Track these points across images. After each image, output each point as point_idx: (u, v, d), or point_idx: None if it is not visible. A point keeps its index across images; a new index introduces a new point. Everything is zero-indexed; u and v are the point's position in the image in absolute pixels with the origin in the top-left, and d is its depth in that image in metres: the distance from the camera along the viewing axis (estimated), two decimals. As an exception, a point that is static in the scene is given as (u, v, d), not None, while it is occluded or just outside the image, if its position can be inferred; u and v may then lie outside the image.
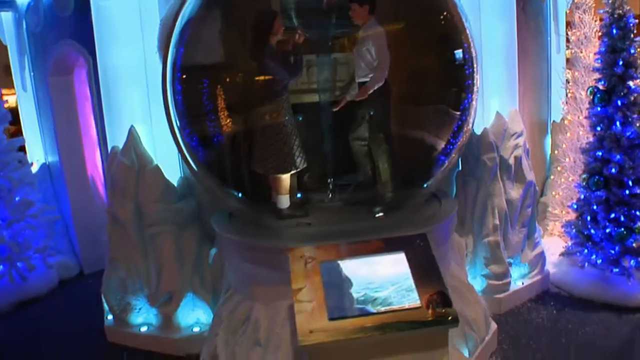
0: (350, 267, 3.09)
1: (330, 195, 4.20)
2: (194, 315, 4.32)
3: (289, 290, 3.41)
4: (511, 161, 4.51)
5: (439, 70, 3.93)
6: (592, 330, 4.11)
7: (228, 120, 3.74)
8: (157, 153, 4.32)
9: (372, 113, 3.93)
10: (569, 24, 5.18)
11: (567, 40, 5.27)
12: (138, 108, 4.28)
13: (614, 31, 4.22)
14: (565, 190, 5.21)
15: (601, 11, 4.35)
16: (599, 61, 4.37)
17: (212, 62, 3.83)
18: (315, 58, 4.06)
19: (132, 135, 4.26)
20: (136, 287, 4.34)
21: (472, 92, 3.75)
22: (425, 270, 3.09)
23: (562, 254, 4.83)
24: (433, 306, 2.90)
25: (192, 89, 3.71)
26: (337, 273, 3.07)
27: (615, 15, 4.22)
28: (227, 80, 3.80)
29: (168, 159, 4.36)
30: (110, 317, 4.53)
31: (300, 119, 3.94)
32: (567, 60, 5.36)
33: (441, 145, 3.88)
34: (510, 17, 4.59)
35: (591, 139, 4.50)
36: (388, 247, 3.20)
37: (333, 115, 4.12)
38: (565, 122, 5.32)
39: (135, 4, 4.14)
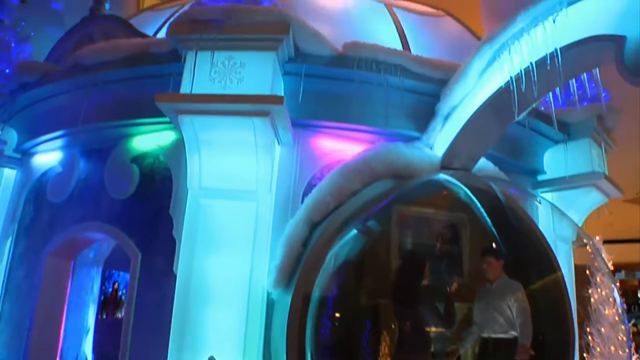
0: None
1: None
2: None
3: None
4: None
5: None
6: None
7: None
8: (239, 395, 3.37)
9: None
10: (589, 282, 5.70)
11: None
12: (227, 334, 3.41)
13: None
14: None
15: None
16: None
17: (367, 305, 3.68)
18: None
19: (211, 369, 3.31)
20: None
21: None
22: None
23: None
24: None
25: (342, 326, 3.52)
26: None
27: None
28: (381, 324, 3.60)
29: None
30: None
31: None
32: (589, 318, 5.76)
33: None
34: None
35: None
36: None
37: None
38: (589, 375, 5.51)
39: (251, 211, 3.57)
